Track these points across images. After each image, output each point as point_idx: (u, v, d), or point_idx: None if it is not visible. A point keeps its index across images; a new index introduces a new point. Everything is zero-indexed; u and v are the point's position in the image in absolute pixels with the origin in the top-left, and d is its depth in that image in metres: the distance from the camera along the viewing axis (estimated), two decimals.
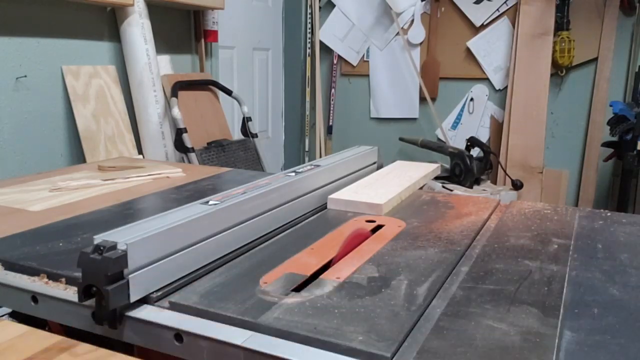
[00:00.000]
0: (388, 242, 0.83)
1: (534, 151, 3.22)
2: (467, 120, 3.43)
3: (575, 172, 3.40)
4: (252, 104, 3.59)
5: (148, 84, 2.36)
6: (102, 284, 0.57)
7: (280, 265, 0.74)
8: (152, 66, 2.37)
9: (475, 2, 3.35)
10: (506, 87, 3.31)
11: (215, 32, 2.91)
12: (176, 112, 2.39)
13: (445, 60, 3.42)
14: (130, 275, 0.60)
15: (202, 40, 2.85)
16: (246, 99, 2.97)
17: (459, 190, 2.65)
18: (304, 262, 0.75)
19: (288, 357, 0.53)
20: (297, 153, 4.07)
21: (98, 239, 0.61)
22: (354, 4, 3.76)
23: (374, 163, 1.32)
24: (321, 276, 0.70)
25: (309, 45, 3.87)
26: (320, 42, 3.84)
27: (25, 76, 2.01)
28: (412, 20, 3.50)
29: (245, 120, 2.78)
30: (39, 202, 1.04)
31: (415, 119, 3.48)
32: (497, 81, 3.38)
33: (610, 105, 2.89)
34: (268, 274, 0.70)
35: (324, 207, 1.03)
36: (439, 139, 3.39)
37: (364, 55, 3.82)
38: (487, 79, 3.40)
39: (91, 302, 0.63)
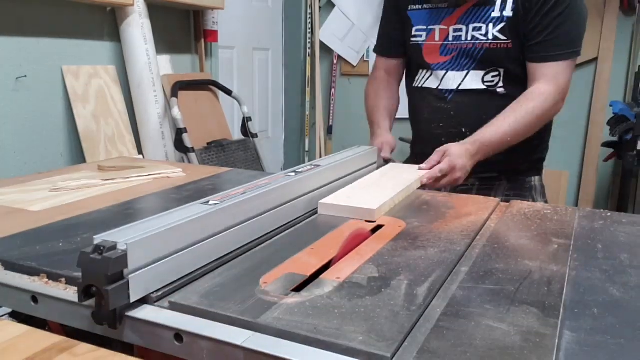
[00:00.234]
0: (388, 242, 0.83)
1: None
2: None
3: (576, 172, 3.40)
4: (252, 104, 3.59)
5: (148, 84, 2.36)
6: (102, 284, 0.57)
7: (280, 265, 0.74)
8: (152, 66, 2.37)
9: None
10: None
11: (215, 32, 2.91)
12: (176, 112, 2.39)
13: None
14: (130, 276, 0.60)
15: (202, 40, 2.85)
16: (246, 99, 2.97)
17: None
18: (304, 262, 0.75)
19: (288, 357, 0.53)
20: (297, 153, 4.07)
21: (98, 239, 0.61)
22: (354, 4, 3.77)
23: (374, 163, 1.32)
24: (321, 276, 0.70)
25: (309, 45, 3.87)
26: (320, 42, 3.84)
27: (25, 76, 2.01)
28: None
29: (245, 120, 2.78)
30: (39, 202, 1.04)
31: None
32: None
33: (610, 105, 2.89)
34: (268, 274, 0.70)
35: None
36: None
37: (364, 55, 3.82)
38: None
39: (91, 302, 0.63)
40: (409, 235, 0.87)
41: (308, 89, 3.93)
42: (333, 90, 3.97)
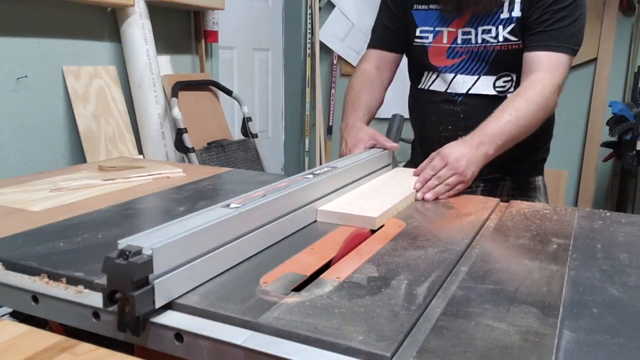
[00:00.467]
0: (388, 242, 0.84)
1: None
2: None
3: (575, 172, 3.40)
4: (252, 104, 3.59)
5: (148, 85, 2.36)
6: (127, 289, 0.56)
7: (280, 265, 0.74)
8: (153, 66, 2.37)
9: None
10: None
11: (216, 33, 2.91)
12: (176, 112, 2.39)
13: None
14: (155, 281, 0.59)
15: (203, 41, 2.85)
16: (246, 99, 2.97)
17: None
18: (304, 262, 0.75)
19: (288, 356, 0.53)
20: (297, 153, 4.07)
21: (122, 243, 0.60)
22: (354, 4, 3.77)
23: (389, 165, 1.30)
24: (321, 276, 0.70)
25: (309, 45, 3.87)
26: (320, 42, 3.84)
27: (26, 76, 2.01)
28: None
29: (246, 121, 2.78)
30: (40, 202, 1.04)
31: None
32: None
33: (610, 106, 2.89)
34: (268, 274, 0.70)
35: None
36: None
37: None
38: None
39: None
40: (409, 235, 0.87)
41: (308, 89, 3.93)
42: (333, 90, 3.97)
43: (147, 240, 0.61)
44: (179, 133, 2.40)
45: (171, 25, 2.69)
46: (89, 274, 0.68)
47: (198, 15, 2.82)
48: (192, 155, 2.41)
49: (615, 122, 2.77)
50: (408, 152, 1.62)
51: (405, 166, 1.41)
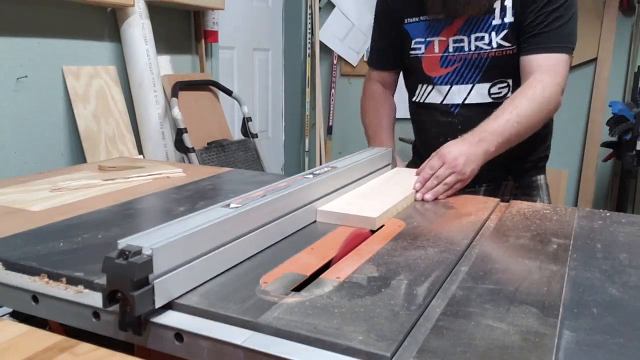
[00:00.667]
0: (388, 242, 0.84)
1: None
2: None
3: (575, 172, 3.40)
4: (252, 104, 3.59)
5: (148, 85, 2.36)
6: (127, 289, 0.56)
7: (280, 265, 0.74)
8: (153, 66, 2.37)
9: None
10: None
11: (216, 33, 2.91)
12: (176, 112, 2.39)
13: None
14: (155, 281, 0.59)
15: (203, 41, 2.85)
16: (246, 99, 2.97)
17: None
18: (304, 262, 0.75)
19: (288, 356, 0.53)
20: (297, 153, 4.07)
21: (122, 243, 0.60)
22: (354, 4, 3.77)
23: (388, 164, 1.31)
24: (321, 276, 0.70)
25: (309, 45, 3.87)
26: (320, 43, 3.84)
27: (26, 76, 2.01)
28: None
29: (246, 121, 2.78)
30: (40, 202, 1.04)
31: None
32: None
33: (610, 105, 2.89)
34: (268, 274, 0.70)
35: None
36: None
37: (363, 56, 3.82)
38: None
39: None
40: (409, 235, 0.88)
41: (308, 90, 3.93)
42: (333, 90, 3.97)
43: (147, 240, 0.61)
44: (179, 133, 2.40)
45: (171, 25, 2.69)
46: (89, 274, 0.68)
47: (198, 15, 2.82)
48: (192, 155, 2.41)
49: (615, 122, 2.77)
50: (408, 152, 1.62)
51: (407, 167, 1.41)
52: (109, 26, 2.34)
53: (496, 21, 1.26)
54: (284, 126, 4.05)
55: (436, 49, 1.34)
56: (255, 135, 2.81)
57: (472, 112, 1.31)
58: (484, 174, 1.17)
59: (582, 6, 3.17)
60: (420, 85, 1.40)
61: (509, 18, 1.25)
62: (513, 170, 1.38)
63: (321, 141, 3.94)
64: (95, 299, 0.62)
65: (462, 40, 1.30)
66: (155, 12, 2.47)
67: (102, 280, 0.59)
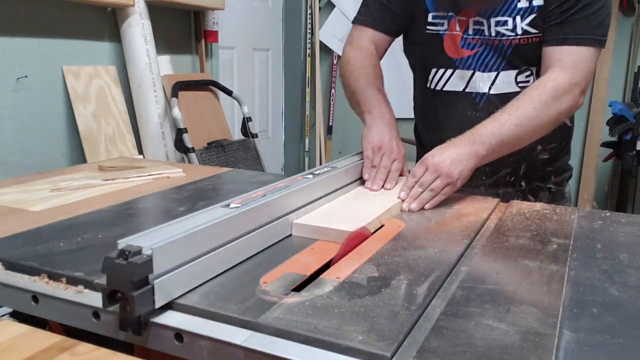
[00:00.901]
0: (388, 242, 0.84)
1: None
2: None
3: (575, 171, 3.39)
4: (252, 104, 3.59)
5: (148, 84, 2.36)
6: (127, 289, 0.57)
7: (280, 265, 0.74)
8: (153, 66, 2.37)
9: None
10: None
11: (216, 33, 2.91)
12: (176, 112, 2.39)
13: None
14: (155, 281, 0.59)
15: (203, 41, 2.85)
16: (246, 99, 2.97)
17: None
18: (304, 262, 0.75)
19: (288, 356, 0.53)
20: (297, 153, 4.07)
21: (122, 243, 0.60)
22: (354, 4, 3.75)
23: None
24: (321, 276, 0.70)
25: (309, 45, 3.87)
26: (320, 42, 3.84)
27: (26, 76, 2.01)
28: None
29: (245, 121, 2.78)
30: (40, 202, 1.04)
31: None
32: None
33: (610, 105, 2.89)
34: (268, 274, 0.70)
35: None
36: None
37: None
38: None
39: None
40: (409, 235, 0.87)
41: (308, 89, 3.93)
42: (333, 90, 3.97)
43: (147, 240, 0.61)
44: (179, 133, 2.40)
45: (171, 25, 2.69)
46: (89, 274, 0.68)
47: (198, 15, 2.82)
48: (192, 155, 2.41)
49: (615, 122, 2.77)
50: (408, 152, 1.60)
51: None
52: (109, 26, 2.34)
53: (522, 4, 1.12)
54: (284, 126, 4.05)
55: (457, 28, 1.19)
56: (255, 135, 2.81)
57: (502, 102, 1.14)
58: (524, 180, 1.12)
59: None
60: (436, 69, 1.24)
61: (538, 1, 1.11)
62: (544, 178, 1.30)
63: (321, 141, 3.94)
64: (95, 299, 0.62)
65: (481, 23, 1.16)
66: (155, 12, 2.47)
67: (102, 280, 0.59)
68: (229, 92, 2.80)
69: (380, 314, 0.59)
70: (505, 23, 1.13)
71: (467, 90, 1.22)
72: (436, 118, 1.30)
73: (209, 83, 2.79)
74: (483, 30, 1.16)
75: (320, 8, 3.83)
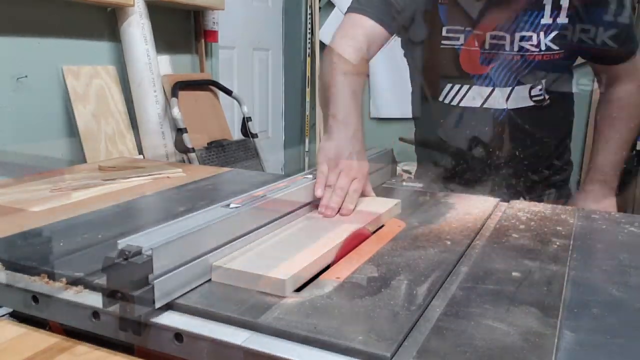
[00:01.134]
0: (388, 242, 0.84)
1: None
2: None
3: (575, 171, 3.39)
4: (252, 104, 3.59)
5: (148, 84, 2.36)
6: (127, 289, 0.56)
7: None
8: (152, 66, 2.37)
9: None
10: None
11: (216, 32, 2.91)
12: (176, 112, 2.39)
13: None
14: (155, 281, 0.59)
15: (202, 41, 2.85)
16: (246, 99, 2.97)
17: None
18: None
19: (288, 356, 0.53)
20: (297, 153, 4.07)
21: (122, 243, 0.60)
22: None
23: (388, 165, 1.29)
24: (321, 276, 0.70)
25: (309, 45, 3.87)
26: (320, 42, 3.84)
27: (26, 76, 2.01)
28: None
29: (245, 120, 2.78)
30: (40, 202, 1.04)
31: None
32: None
33: None
34: None
35: None
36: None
37: None
38: None
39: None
40: (409, 235, 0.87)
41: (308, 89, 3.93)
42: None
43: (147, 240, 0.61)
44: (179, 133, 2.40)
45: (171, 25, 2.69)
46: (89, 274, 0.68)
47: (198, 15, 2.82)
48: (192, 155, 2.41)
49: None
50: (408, 152, 1.59)
51: (419, 170, 1.35)
52: (108, 26, 2.34)
53: (545, 20, 1.11)
54: (283, 126, 4.05)
55: (476, 43, 1.16)
56: (255, 135, 2.81)
57: (519, 117, 1.18)
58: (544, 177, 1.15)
59: None
60: (451, 85, 1.21)
61: (562, 19, 1.11)
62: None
63: (321, 141, 3.94)
64: (95, 299, 0.62)
65: (502, 38, 1.14)
66: (155, 12, 2.47)
67: (102, 280, 0.59)
68: (228, 92, 2.79)
69: (380, 314, 0.59)
70: (530, 38, 1.13)
71: (484, 106, 1.20)
72: (449, 132, 1.29)
73: (208, 83, 2.79)
74: (503, 45, 1.14)
75: (320, 8, 3.83)
